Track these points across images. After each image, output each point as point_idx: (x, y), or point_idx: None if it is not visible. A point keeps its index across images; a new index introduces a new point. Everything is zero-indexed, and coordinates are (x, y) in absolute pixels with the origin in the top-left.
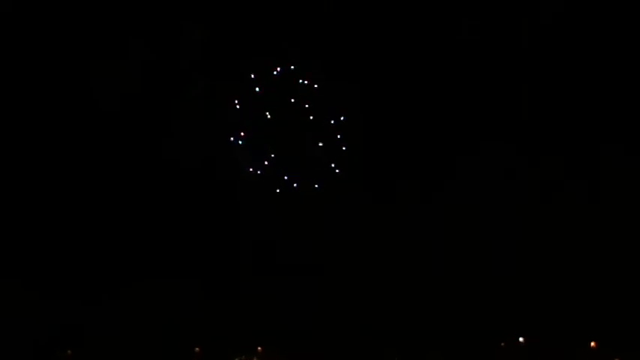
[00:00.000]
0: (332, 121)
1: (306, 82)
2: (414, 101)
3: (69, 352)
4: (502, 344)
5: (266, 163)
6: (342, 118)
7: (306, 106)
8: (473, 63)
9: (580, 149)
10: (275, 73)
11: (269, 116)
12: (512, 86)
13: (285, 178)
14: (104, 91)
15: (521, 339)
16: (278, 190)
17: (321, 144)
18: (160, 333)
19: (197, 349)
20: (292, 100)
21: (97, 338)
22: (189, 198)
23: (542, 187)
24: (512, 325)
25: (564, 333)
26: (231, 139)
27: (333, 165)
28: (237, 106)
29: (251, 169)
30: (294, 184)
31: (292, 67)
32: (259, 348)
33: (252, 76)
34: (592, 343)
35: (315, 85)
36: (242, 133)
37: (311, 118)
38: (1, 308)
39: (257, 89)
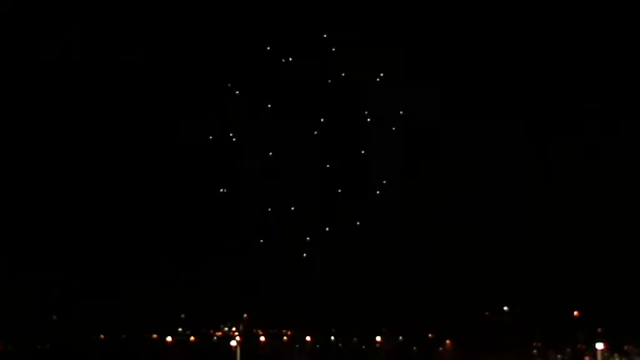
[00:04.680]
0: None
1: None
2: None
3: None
4: (487, 313)
5: None
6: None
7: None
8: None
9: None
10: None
11: None
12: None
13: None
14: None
15: (505, 308)
16: None
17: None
18: (147, 301)
19: (182, 315)
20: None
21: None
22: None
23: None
24: (497, 296)
25: (548, 302)
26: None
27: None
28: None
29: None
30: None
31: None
32: (245, 315)
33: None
34: (575, 313)
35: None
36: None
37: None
38: None
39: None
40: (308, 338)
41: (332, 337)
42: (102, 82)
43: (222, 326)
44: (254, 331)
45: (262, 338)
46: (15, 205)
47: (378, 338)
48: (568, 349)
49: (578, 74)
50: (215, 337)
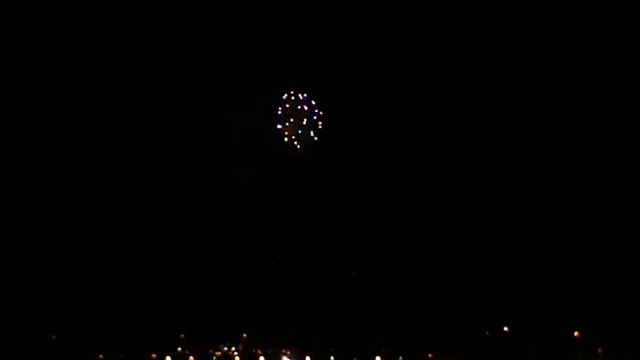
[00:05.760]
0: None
1: None
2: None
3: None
4: (487, 333)
5: None
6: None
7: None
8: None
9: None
10: None
11: None
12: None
13: None
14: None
15: (505, 328)
16: None
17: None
18: (146, 320)
19: (182, 335)
20: None
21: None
22: (180, 197)
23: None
24: (497, 315)
25: (549, 322)
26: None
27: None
28: None
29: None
30: None
31: None
32: (244, 335)
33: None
34: (575, 333)
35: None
36: None
37: None
38: None
39: None
40: (308, 358)
41: (331, 357)
42: (93, 84)
43: (221, 346)
44: (253, 350)
45: (262, 358)
46: None
47: (378, 358)
48: None
49: (576, 75)
50: (214, 357)
